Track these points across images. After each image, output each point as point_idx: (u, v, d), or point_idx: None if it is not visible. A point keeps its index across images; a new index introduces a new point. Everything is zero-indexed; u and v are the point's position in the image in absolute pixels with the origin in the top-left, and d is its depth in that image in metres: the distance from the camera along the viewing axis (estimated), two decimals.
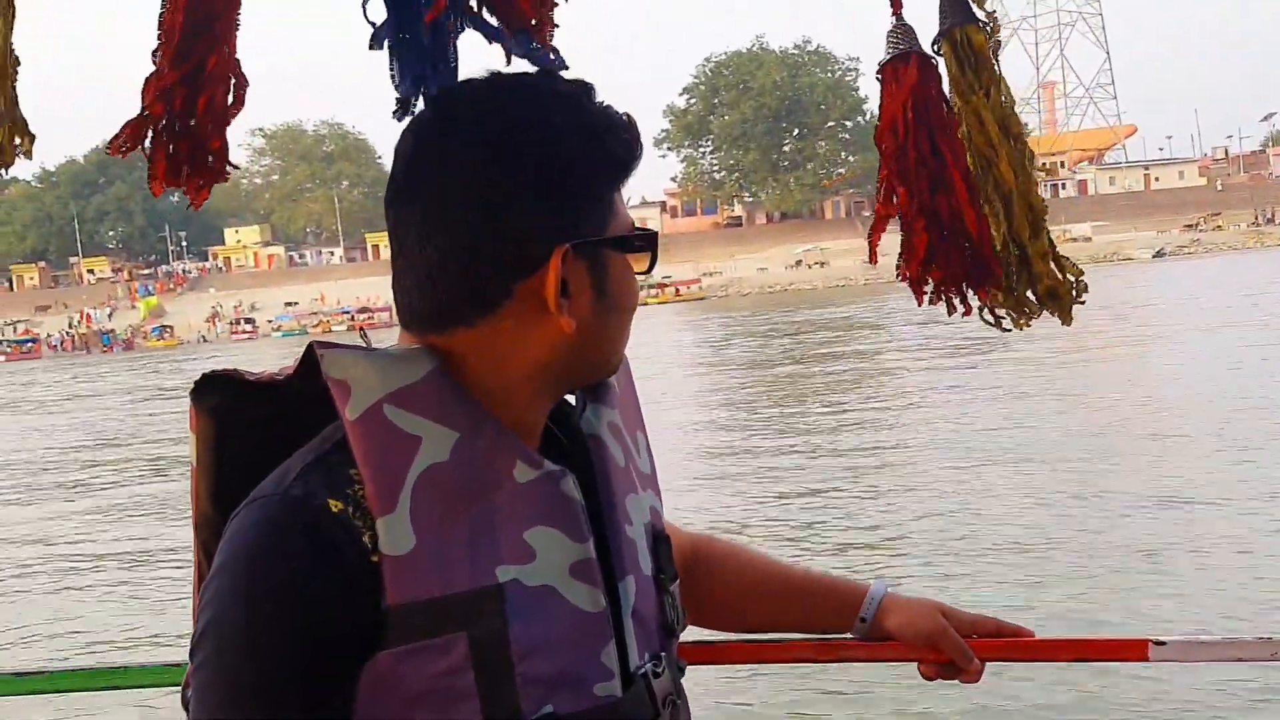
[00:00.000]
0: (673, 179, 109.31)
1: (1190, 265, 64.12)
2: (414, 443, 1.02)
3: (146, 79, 1.32)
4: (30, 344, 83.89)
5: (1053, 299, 1.54)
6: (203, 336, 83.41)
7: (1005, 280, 1.53)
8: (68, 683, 1.71)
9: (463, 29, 1.27)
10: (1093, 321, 27.10)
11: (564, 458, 1.12)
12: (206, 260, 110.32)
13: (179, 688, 1.05)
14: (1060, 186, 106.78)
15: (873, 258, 1.57)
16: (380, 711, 1.00)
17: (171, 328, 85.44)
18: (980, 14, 1.53)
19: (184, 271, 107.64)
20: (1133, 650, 1.50)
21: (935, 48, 1.53)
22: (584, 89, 1.11)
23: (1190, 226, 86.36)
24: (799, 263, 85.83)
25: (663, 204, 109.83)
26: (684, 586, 1.28)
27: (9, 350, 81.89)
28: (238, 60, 1.36)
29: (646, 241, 1.12)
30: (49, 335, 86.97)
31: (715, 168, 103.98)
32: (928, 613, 1.45)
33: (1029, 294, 1.54)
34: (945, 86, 1.54)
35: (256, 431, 1.10)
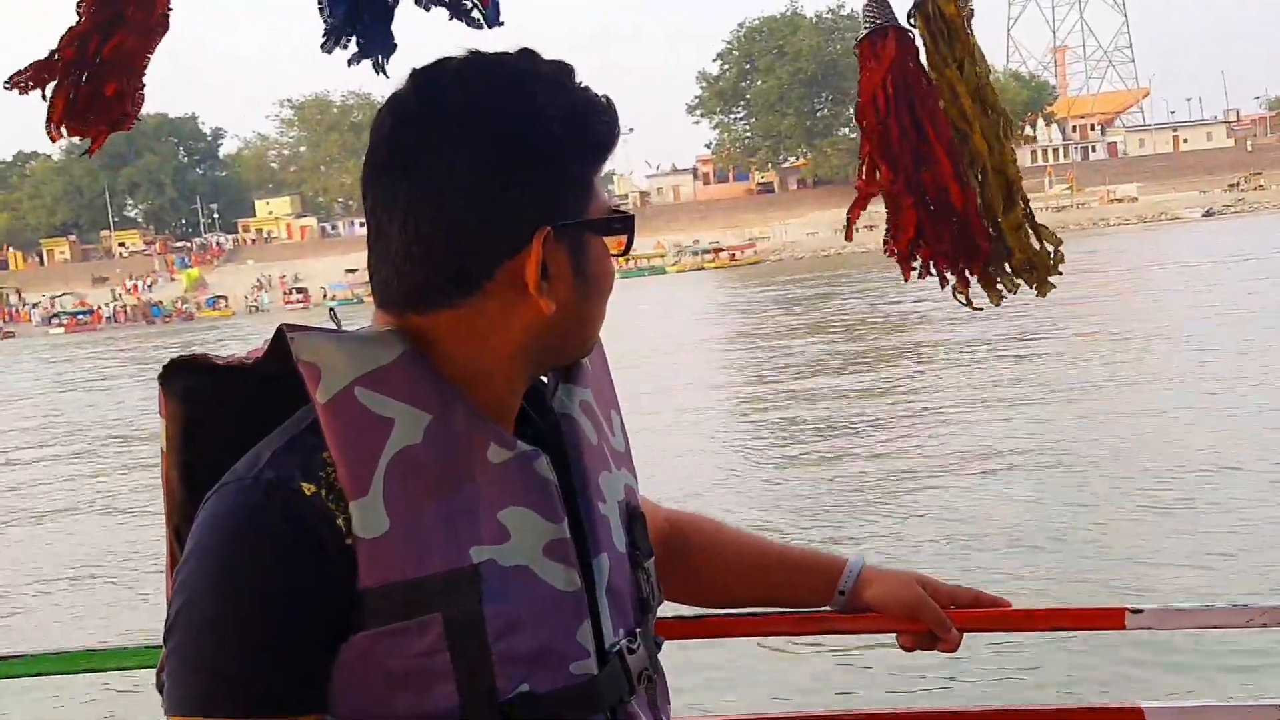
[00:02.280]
0: (706, 145, 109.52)
1: (1240, 223, 64.65)
2: (386, 425, 1.03)
3: (68, 28, 1.31)
4: (87, 315, 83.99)
5: (1029, 271, 1.54)
6: (255, 306, 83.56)
7: (993, 245, 1.53)
8: (46, 665, 1.72)
9: None
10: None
11: (537, 437, 1.13)
12: (236, 232, 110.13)
13: (155, 670, 1.05)
14: (1091, 149, 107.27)
15: (849, 234, 1.58)
16: (357, 693, 1.02)
17: (225, 298, 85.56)
18: None
19: (218, 244, 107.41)
20: (1109, 619, 1.52)
21: (910, 20, 1.53)
22: (564, 70, 1.12)
23: (1233, 186, 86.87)
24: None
25: (694, 170, 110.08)
26: (663, 563, 1.30)
27: (65, 321, 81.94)
28: (166, 12, 1.35)
29: (624, 224, 1.13)
30: (100, 306, 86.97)
31: (748, 133, 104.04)
32: (906, 583, 1.48)
33: (1005, 266, 1.54)
34: (922, 59, 1.54)
35: (227, 415, 1.11)
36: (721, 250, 78.73)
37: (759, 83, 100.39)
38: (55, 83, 1.28)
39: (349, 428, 1.02)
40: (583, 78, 1.13)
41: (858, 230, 1.60)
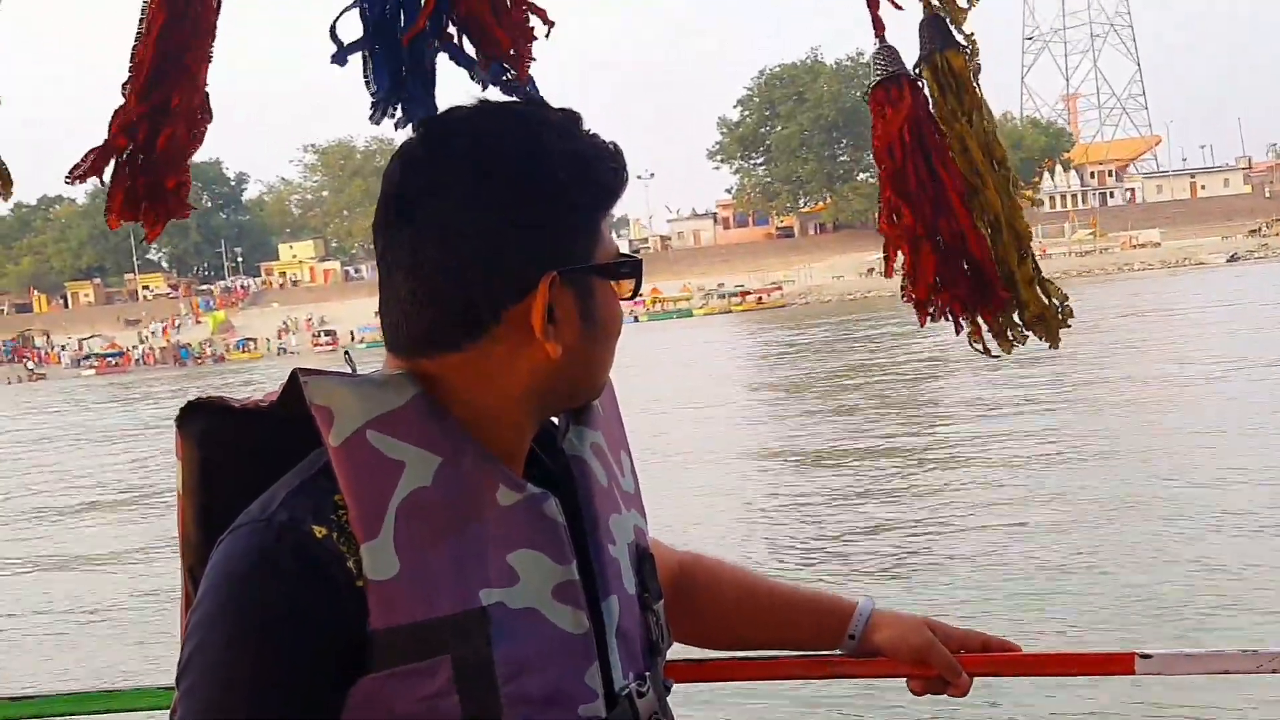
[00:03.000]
0: (727, 190, 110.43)
1: (1266, 268, 64.97)
2: (397, 468, 1.04)
3: (114, 111, 1.35)
4: (118, 357, 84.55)
5: (1040, 324, 1.55)
6: (284, 348, 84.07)
7: (1008, 295, 1.54)
8: (59, 706, 1.71)
9: (439, 51, 1.33)
10: None
11: (547, 479, 1.14)
12: (259, 275, 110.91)
13: (169, 711, 1.05)
14: (1109, 195, 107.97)
15: (888, 272, 1.59)
16: None
17: (254, 340, 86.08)
18: (959, 37, 1.55)
19: (243, 287, 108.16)
20: (1119, 664, 1.50)
21: (917, 71, 1.55)
22: (571, 117, 1.14)
23: (1254, 232, 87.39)
24: (871, 270, 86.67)
25: (714, 215, 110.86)
26: (672, 604, 1.31)
27: (97, 364, 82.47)
28: (206, 94, 1.39)
29: (632, 268, 1.14)
30: (129, 349, 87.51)
31: (768, 178, 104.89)
32: (915, 628, 1.48)
33: (1016, 319, 1.56)
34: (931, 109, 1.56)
35: (242, 458, 1.12)
36: (749, 293, 79.12)
37: (779, 129, 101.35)
38: (111, 172, 1.36)
39: (360, 470, 1.03)
40: (596, 125, 1.14)
41: (876, 274, 1.81)
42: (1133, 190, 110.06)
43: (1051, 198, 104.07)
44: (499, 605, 1.04)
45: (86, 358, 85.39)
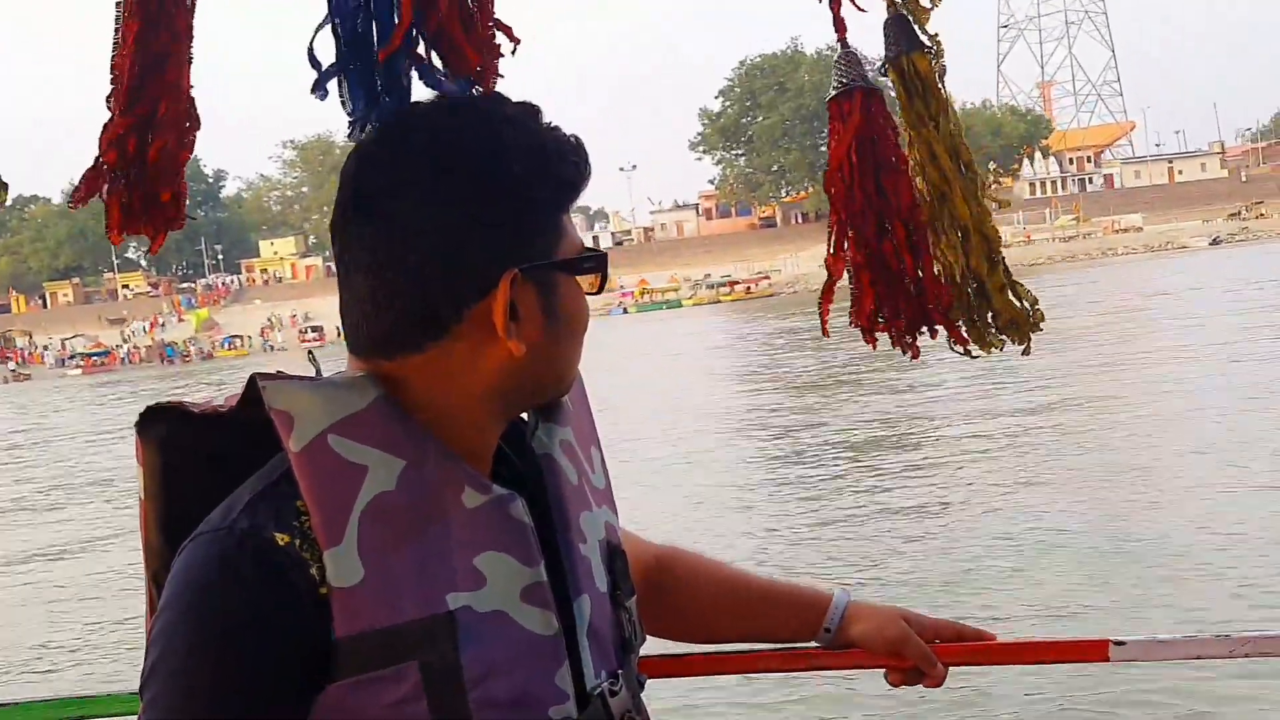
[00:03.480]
0: (710, 181, 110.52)
1: (1248, 250, 65.64)
2: (360, 472, 1.02)
3: (103, 125, 1.34)
4: (103, 356, 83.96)
5: (1013, 329, 1.56)
6: (272, 345, 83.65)
7: (966, 313, 1.55)
8: (35, 713, 1.71)
9: (411, 70, 1.32)
10: None
11: (516, 479, 1.13)
12: (239, 273, 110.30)
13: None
14: (1088, 180, 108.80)
15: (824, 330, 1.59)
16: None
17: (241, 337, 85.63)
18: (924, 37, 1.53)
19: (225, 284, 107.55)
20: (1093, 651, 1.51)
21: (881, 69, 1.55)
22: (530, 110, 1.12)
23: (1234, 215, 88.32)
24: None
25: (696, 206, 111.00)
26: (647, 599, 1.30)
27: (82, 364, 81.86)
28: (192, 99, 1.37)
29: (596, 263, 1.13)
30: (115, 348, 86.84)
31: (750, 169, 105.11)
32: (890, 620, 1.49)
33: (990, 326, 1.56)
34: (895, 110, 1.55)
35: (203, 463, 1.10)
36: (736, 283, 79.36)
37: (761, 119, 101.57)
38: (107, 188, 1.35)
39: (322, 476, 1.01)
40: (563, 119, 1.13)
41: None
42: (1110, 176, 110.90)
43: (1032, 184, 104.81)
44: (466, 609, 1.03)
45: (72, 357, 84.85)
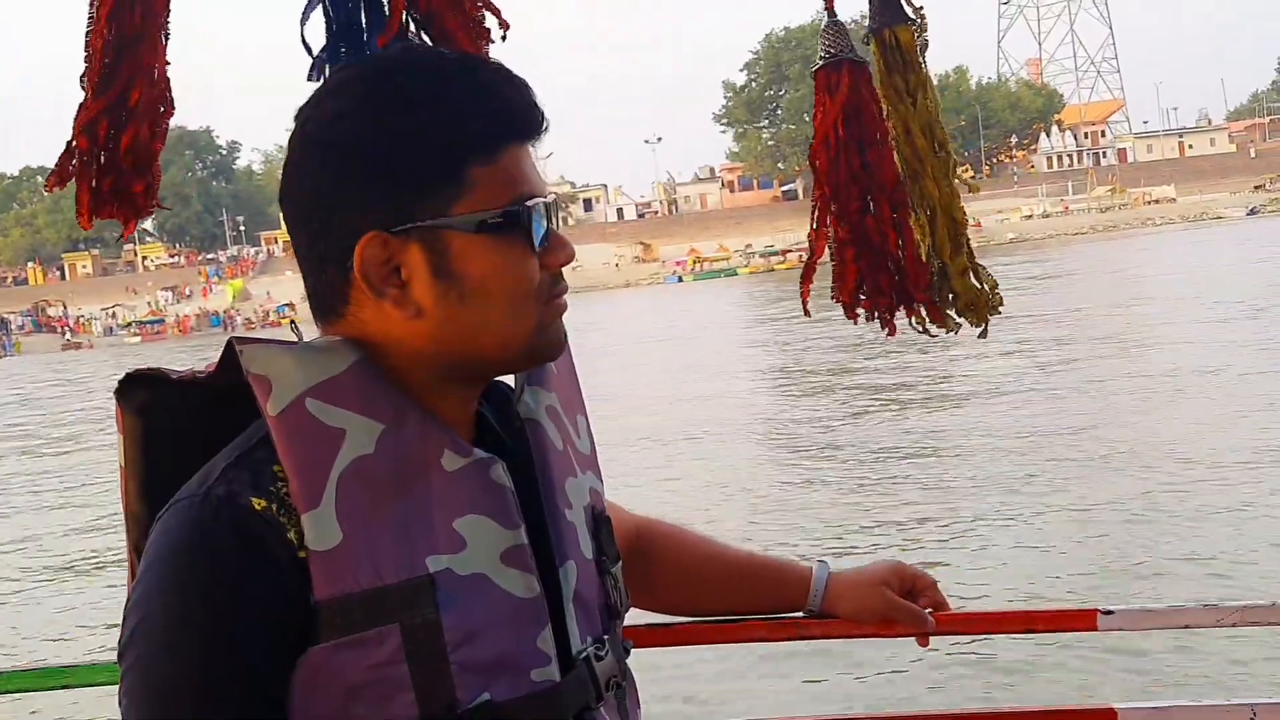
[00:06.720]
0: (734, 154, 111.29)
1: None
2: (338, 436, 1.01)
3: (77, 107, 1.31)
4: (159, 324, 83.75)
5: (970, 310, 1.56)
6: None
7: (929, 294, 1.54)
8: (17, 683, 1.71)
9: None
10: None
11: (501, 444, 1.12)
12: (259, 245, 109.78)
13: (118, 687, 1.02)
14: (1102, 154, 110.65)
15: (805, 310, 1.57)
16: (316, 706, 1.01)
17: (293, 304, 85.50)
18: (909, 11, 1.51)
19: (251, 255, 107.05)
20: (1081, 620, 1.52)
21: (865, 40, 1.53)
22: (460, 62, 1.08)
23: (1259, 188, 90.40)
24: None
25: (720, 178, 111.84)
26: (629, 570, 1.29)
27: (139, 332, 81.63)
28: (167, 81, 1.33)
29: (509, 219, 1.05)
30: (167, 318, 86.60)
31: (773, 141, 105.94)
32: (873, 589, 1.52)
33: (950, 306, 1.57)
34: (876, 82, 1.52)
35: (183, 429, 1.10)
36: (788, 252, 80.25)
37: (789, 92, 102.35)
38: (76, 172, 1.33)
39: (299, 440, 1.01)
40: (512, 69, 1.09)
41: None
42: (1124, 150, 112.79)
43: (1049, 158, 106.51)
44: (446, 572, 1.03)
45: (125, 326, 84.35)
